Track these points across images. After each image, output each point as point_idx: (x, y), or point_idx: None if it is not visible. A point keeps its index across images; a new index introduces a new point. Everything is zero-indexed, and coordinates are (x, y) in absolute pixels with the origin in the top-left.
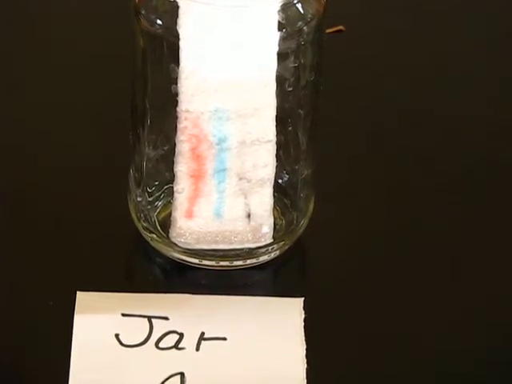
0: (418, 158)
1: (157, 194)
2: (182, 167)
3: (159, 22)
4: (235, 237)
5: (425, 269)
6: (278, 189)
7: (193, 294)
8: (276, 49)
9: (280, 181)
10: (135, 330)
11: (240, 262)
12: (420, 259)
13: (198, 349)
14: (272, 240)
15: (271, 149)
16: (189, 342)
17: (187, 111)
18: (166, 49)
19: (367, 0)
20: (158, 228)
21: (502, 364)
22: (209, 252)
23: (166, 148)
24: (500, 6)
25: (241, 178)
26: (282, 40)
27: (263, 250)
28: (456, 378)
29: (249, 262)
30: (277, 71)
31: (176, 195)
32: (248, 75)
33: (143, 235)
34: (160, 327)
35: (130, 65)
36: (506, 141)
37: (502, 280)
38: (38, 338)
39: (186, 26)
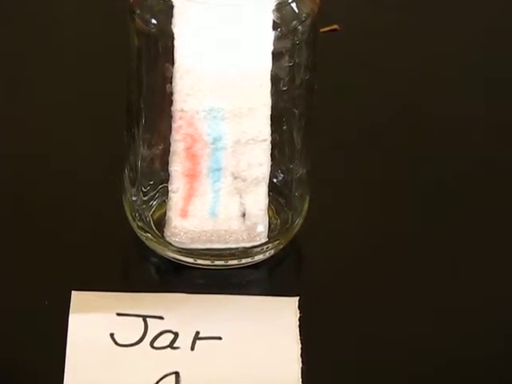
0: (414, 158)
1: (152, 194)
2: (177, 166)
3: (154, 21)
4: (230, 236)
5: (422, 268)
6: (272, 188)
7: (188, 293)
8: (271, 48)
9: (275, 180)
10: (130, 329)
11: (235, 262)
12: (417, 259)
13: (192, 348)
14: (267, 239)
15: (266, 148)
16: (184, 341)
17: (182, 110)
18: (161, 48)
19: None
20: (153, 227)
21: (502, 363)
22: (204, 251)
23: (160, 147)
24: (499, 5)
25: (236, 178)
26: (277, 39)
27: (258, 249)
28: (455, 377)
29: (244, 261)
30: (272, 70)
31: (171, 194)
32: (243, 74)
33: (138, 235)
34: (155, 326)
35: (125, 64)
36: (505, 141)
37: (502, 280)
38: (32, 337)
39: (181, 26)
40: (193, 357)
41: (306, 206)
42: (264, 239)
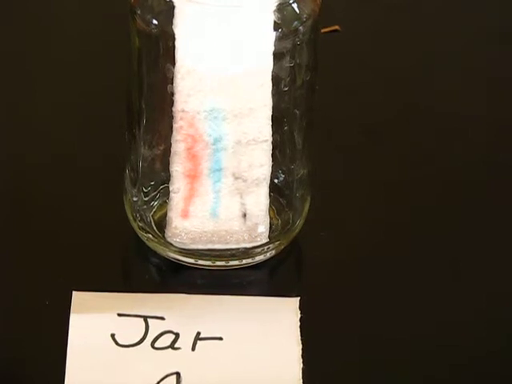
0: (416, 158)
1: (152, 194)
2: (178, 167)
3: (155, 21)
4: (231, 236)
5: (423, 268)
6: (273, 188)
7: (189, 293)
8: (272, 49)
9: (276, 180)
10: (131, 329)
11: (236, 262)
12: (418, 259)
13: (193, 349)
14: (268, 240)
15: (267, 148)
16: (184, 341)
17: (183, 111)
18: (162, 49)
19: (362, 0)
20: (154, 228)
21: (505, 362)
22: (204, 252)
23: (161, 148)
24: (499, 5)
25: (236, 178)
26: (278, 40)
27: (259, 249)
28: (457, 377)
29: (244, 261)
30: (272, 71)
31: (172, 195)
32: (244, 75)
33: (139, 235)
34: (156, 327)
35: (126, 65)
36: (506, 140)
37: (504, 279)
38: (33, 337)
39: (182, 26)
40: (194, 357)
41: (306, 206)
42: (265, 240)
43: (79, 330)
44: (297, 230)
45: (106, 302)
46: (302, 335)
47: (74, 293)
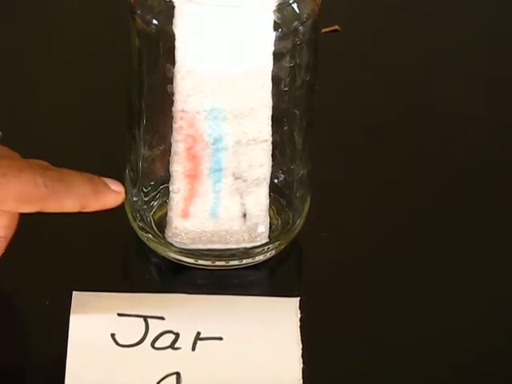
0: (416, 158)
1: (152, 194)
2: (178, 167)
3: (155, 21)
4: (231, 236)
5: (423, 269)
6: (273, 188)
7: (189, 293)
8: (272, 49)
9: (276, 180)
10: (131, 329)
11: (236, 262)
12: (419, 259)
13: (193, 348)
14: (268, 240)
15: (267, 148)
16: (185, 341)
17: (183, 111)
18: (162, 49)
19: (362, 0)
20: (154, 228)
21: (506, 362)
22: (205, 252)
23: (161, 148)
24: (499, 5)
25: (237, 178)
26: (278, 40)
27: (259, 249)
28: (455, 377)
29: (244, 261)
30: (272, 71)
31: (172, 195)
32: (244, 75)
33: (139, 235)
34: (156, 327)
35: (126, 65)
36: (506, 140)
37: (504, 279)
38: (33, 337)
39: (182, 26)
40: (194, 357)
41: (306, 206)
42: (265, 240)
43: (79, 329)
44: (297, 230)
45: (106, 302)
46: (302, 335)
47: (74, 293)
